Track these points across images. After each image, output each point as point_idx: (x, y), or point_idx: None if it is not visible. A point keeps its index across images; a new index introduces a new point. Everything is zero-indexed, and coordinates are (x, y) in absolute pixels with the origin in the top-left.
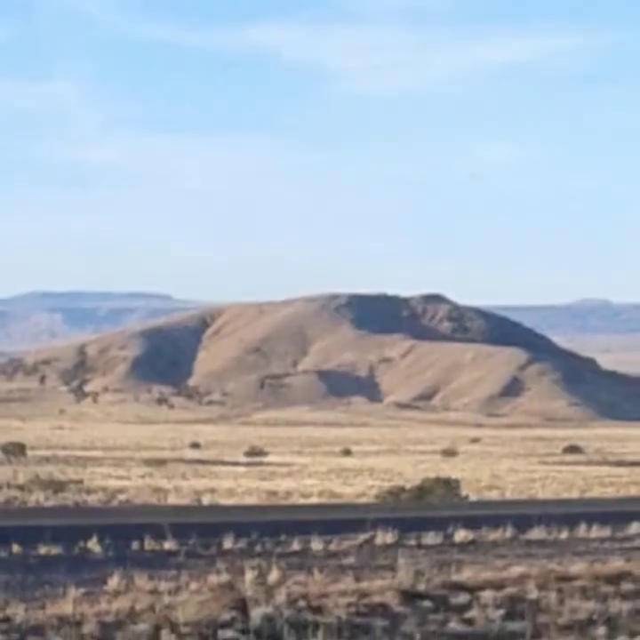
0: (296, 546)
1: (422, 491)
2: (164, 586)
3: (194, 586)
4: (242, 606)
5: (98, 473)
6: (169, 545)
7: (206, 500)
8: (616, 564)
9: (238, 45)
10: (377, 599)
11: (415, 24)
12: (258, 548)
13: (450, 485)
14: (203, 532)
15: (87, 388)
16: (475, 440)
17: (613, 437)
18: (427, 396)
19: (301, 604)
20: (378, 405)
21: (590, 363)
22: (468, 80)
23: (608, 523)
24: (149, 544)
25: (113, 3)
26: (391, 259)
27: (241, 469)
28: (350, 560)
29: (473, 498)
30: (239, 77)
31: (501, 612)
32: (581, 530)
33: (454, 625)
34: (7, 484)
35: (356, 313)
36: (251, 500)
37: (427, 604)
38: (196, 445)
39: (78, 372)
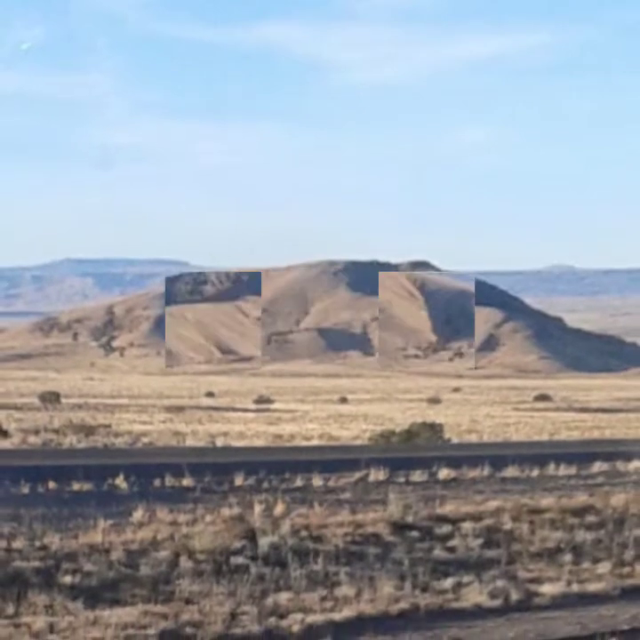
0: (299, 482)
1: (410, 434)
2: (182, 518)
3: (209, 518)
4: (251, 536)
5: (124, 418)
6: (187, 482)
7: (220, 442)
8: (581, 498)
9: (249, 40)
10: (370, 530)
11: (406, 22)
12: (265, 485)
13: (434, 429)
14: (216, 470)
15: (115, 344)
16: (456, 389)
17: (578, 387)
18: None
19: (303, 533)
20: (371, 359)
21: (558, 321)
22: (451, 71)
23: (574, 462)
24: (169, 481)
25: (138, 2)
26: (382, 229)
27: (250, 415)
28: (347, 495)
29: (455, 440)
30: (250, 69)
31: (480, 541)
32: (550, 468)
33: (438, 552)
34: (44, 428)
35: (351, 277)
36: (259, 443)
37: (414, 534)
38: (210, 394)
39: (107, 329)
